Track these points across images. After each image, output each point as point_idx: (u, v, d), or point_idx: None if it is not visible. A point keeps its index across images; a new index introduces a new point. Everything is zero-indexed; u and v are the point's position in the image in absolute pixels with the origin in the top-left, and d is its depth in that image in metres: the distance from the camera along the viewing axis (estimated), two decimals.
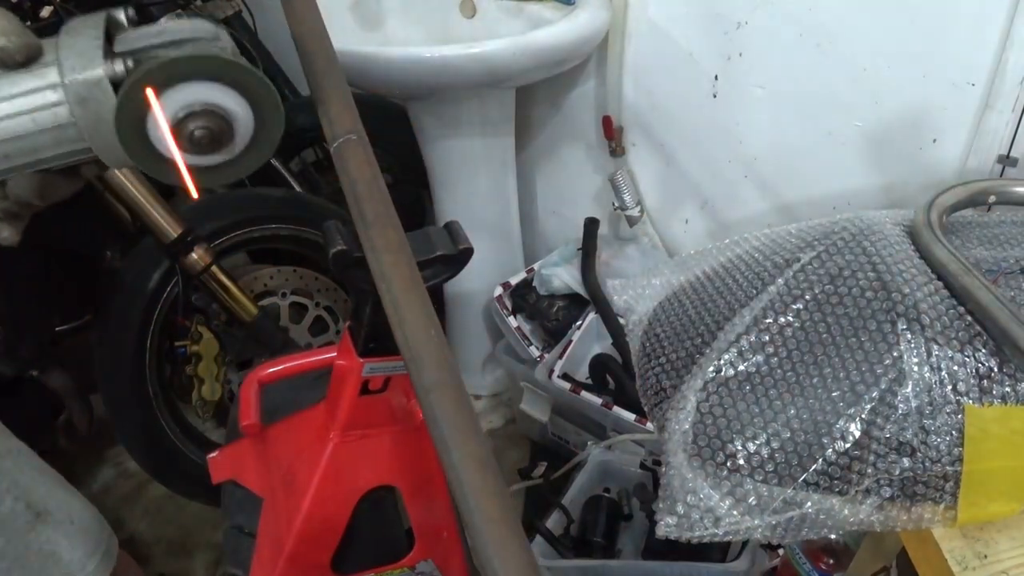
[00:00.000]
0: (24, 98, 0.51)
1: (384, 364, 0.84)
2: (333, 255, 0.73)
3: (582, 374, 1.61)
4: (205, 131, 0.54)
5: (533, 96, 1.76)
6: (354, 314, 0.85)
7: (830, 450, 0.63)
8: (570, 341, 1.60)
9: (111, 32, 0.55)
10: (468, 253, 0.79)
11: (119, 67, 0.52)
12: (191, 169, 0.56)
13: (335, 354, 0.90)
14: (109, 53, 0.52)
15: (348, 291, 1.72)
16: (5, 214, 0.56)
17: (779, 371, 0.67)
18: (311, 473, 0.92)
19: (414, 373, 0.39)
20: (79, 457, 1.76)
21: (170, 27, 0.55)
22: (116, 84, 0.52)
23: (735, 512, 0.64)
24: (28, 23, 1.19)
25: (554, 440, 1.68)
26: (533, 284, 1.70)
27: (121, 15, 0.56)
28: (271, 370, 1.08)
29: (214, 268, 1.43)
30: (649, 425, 1.37)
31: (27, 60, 0.51)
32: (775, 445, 0.64)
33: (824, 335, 0.67)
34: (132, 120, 0.52)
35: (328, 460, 0.91)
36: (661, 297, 0.84)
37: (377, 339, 0.82)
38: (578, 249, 1.72)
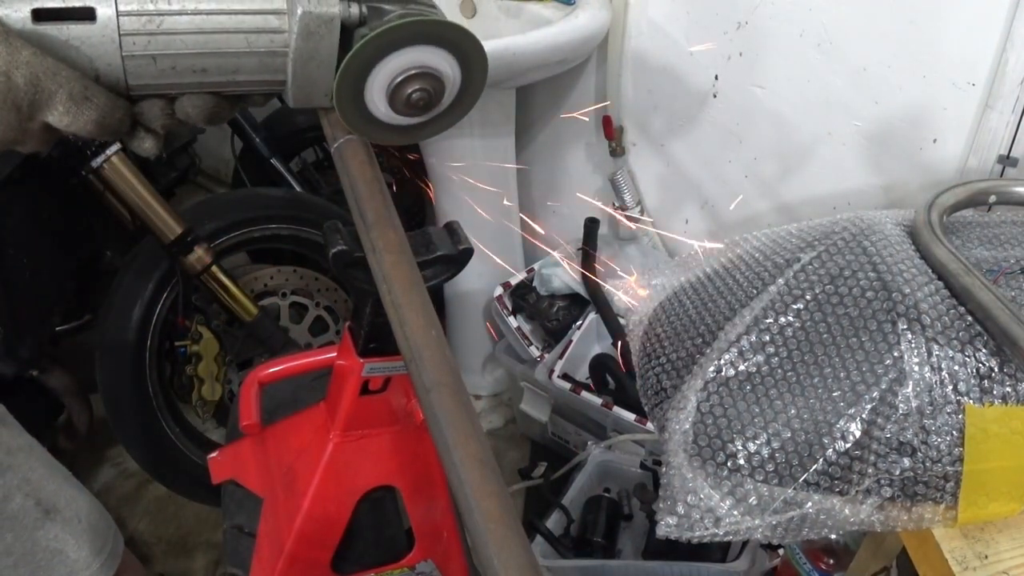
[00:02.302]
0: (246, 17, 0.49)
1: (384, 364, 0.84)
2: (333, 255, 0.73)
3: (582, 374, 1.61)
4: (423, 94, 0.53)
5: (533, 96, 1.76)
6: (354, 314, 0.85)
7: (830, 450, 0.63)
8: (570, 341, 1.60)
9: None
10: (468, 253, 0.79)
11: (353, 10, 0.50)
12: (393, 128, 0.55)
13: (335, 354, 0.90)
14: None
15: (348, 291, 1.72)
16: (163, 129, 0.54)
17: (780, 371, 0.67)
18: (311, 473, 0.92)
19: (415, 373, 0.39)
20: (79, 457, 1.76)
21: None
22: (343, 27, 0.51)
23: (735, 512, 0.64)
24: None
25: (554, 440, 1.68)
26: (533, 284, 1.70)
27: None
28: (271, 370, 1.08)
29: (214, 268, 1.43)
30: (649, 425, 1.37)
31: None
32: (776, 445, 0.64)
33: (824, 335, 0.67)
34: (355, 73, 0.51)
35: (328, 460, 0.91)
36: (661, 297, 0.84)
37: (377, 339, 0.82)
38: (578, 249, 1.72)
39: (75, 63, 0.46)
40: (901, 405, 0.62)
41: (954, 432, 0.62)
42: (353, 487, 0.95)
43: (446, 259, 0.78)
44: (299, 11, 0.49)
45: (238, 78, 0.51)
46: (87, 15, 0.46)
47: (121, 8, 0.46)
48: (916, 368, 0.63)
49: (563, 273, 1.67)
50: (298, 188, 1.79)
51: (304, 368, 1.09)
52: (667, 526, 0.65)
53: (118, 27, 0.46)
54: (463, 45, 0.54)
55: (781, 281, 0.72)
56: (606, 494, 1.40)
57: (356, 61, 0.50)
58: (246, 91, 0.53)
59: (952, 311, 0.65)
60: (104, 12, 0.46)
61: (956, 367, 0.63)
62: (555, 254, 1.74)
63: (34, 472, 0.90)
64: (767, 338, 0.68)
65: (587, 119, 1.71)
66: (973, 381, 0.63)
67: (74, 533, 0.91)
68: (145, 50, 0.47)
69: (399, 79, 0.52)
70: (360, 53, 0.50)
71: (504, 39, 1.32)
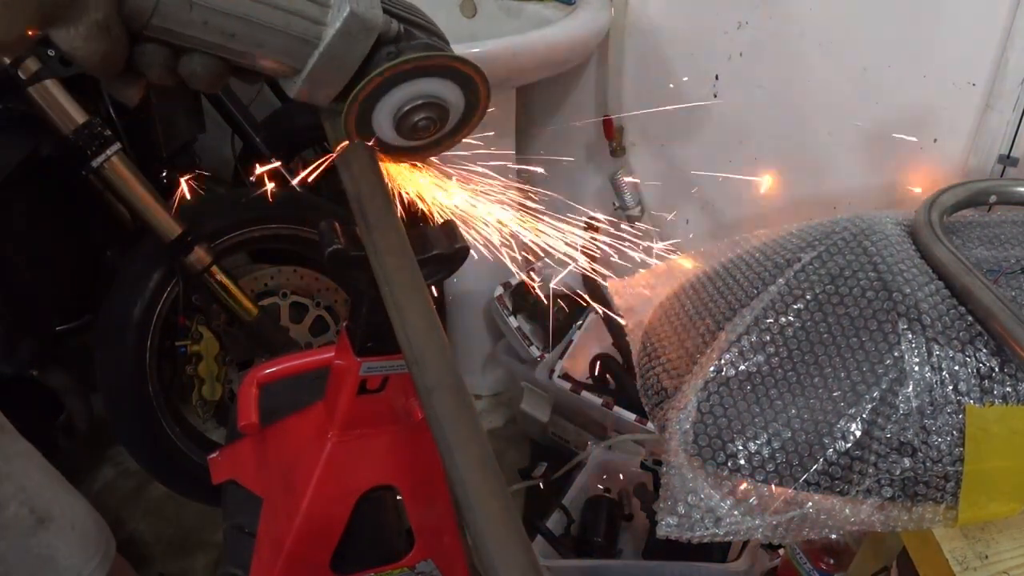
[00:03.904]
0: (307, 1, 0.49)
1: (382, 363, 0.84)
2: (329, 254, 0.73)
3: (582, 374, 1.61)
4: (428, 122, 0.55)
5: (533, 96, 1.76)
6: (351, 313, 0.85)
7: (831, 450, 0.63)
8: (570, 341, 1.59)
9: None
10: (464, 252, 0.79)
11: (394, 26, 0.51)
12: (392, 147, 0.57)
13: (333, 354, 0.90)
14: (386, 7, 0.52)
15: (348, 291, 1.72)
16: (155, 79, 0.52)
17: (780, 371, 0.67)
18: (310, 473, 0.92)
19: (417, 375, 0.39)
20: (79, 457, 1.76)
21: (416, 7, 0.55)
22: (379, 40, 0.51)
23: (736, 512, 0.64)
24: None
25: (554, 440, 1.68)
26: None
27: None
28: (270, 370, 1.08)
29: (214, 268, 1.43)
30: (649, 425, 1.37)
31: None
32: (776, 445, 0.63)
33: (825, 335, 0.67)
34: (377, 89, 0.52)
35: (326, 460, 0.91)
36: (661, 297, 0.84)
37: (375, 338, 0.82)
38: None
39: None
40: (901, 405, 0.62)
41: (954, 432, 0.62)
42: (352, 487, 0.95)
43: (442, 258, 0.78)
44: (347, 10, 0.49)
45: (258, 52, 0.50)
46: None
47: None
48: (916, 368, 0.63)
49: (563, 273, 1.67)
50: (298, 188, 1.79)
51: (302, 368, 1.09)
52: (667, 526, 0.65)
53: None
54: (473, 80, 0.55)
55: (781, 281, 0.72)
56: (606, 494, 1.40)
57: (383, 78, 0.51)
58: (257, 68, 0.52)
59: (952, 311, 0.65)
60: None
61: (956, 367, 0.63)
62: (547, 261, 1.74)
63: (30, 480, 0.90)
64: (767, 338, 0.68)
65: (587, 119, 1.71)
66: (973, 381, 0.63)
67: (66, 540, 0.91)
68: None
69: (408, 106, 0.53)
70: (390, 71, 0.51)
71: (504, 39, 1.32)
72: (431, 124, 0.55)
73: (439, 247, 0.77)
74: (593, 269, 1.64)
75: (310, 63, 0.51)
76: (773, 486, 0.63)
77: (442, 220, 0.76)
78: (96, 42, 0.45)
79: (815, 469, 0.63)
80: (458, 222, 0.64)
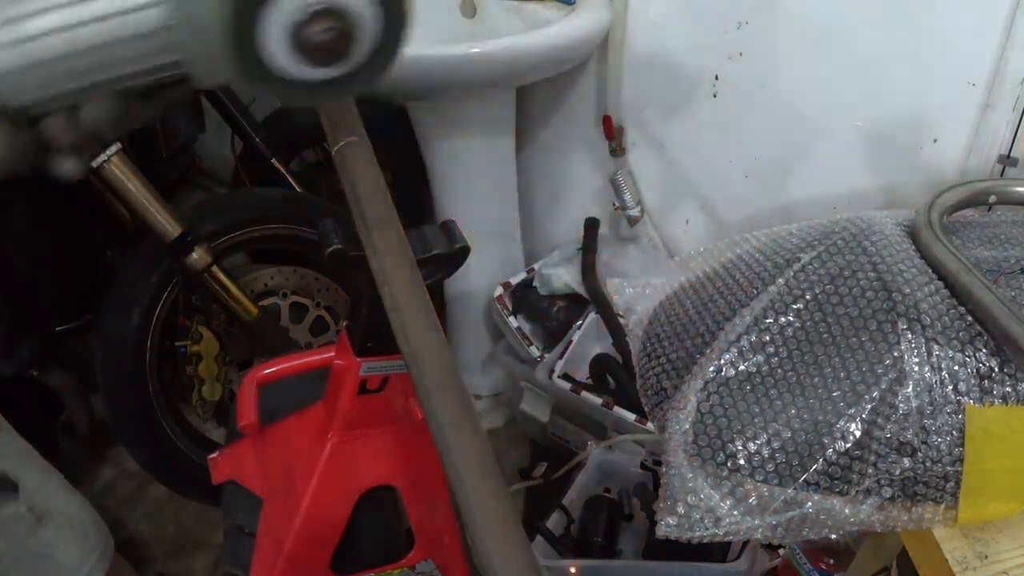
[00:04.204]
0: (106, 1, 0.44)
1: (382, 364, 0.84)
2: (329, 254, 0.73)
3: (582, 374, 1.61)
4: (331, 35, 0.46)
5: (533, 96, 1.76)
6: (351, 313, 0.85)
7: (831, 450, 0.63)
8: (570, 341, 1.60)
9: None
10: (464, 252, 0.79)
11: None
12: (304, 85, 0.48)
13: (333, 354, 0.90)
14: None
15: (348, 291, 1.72)
16: (77, 145, 0.49)
17: (779, 371, 0.67)
18: (310, 473, 0.92)
19: (416, 375, 0.39)
20: (79, 457, 1.76)
21: None
22: None
23: (736, 512, 0.64)
24: None
25: (554, 440, 1.68)
26: (533, 284, 1.70)
27: None
28: (269, 370, 1.08)
29: (214, 268, 1.43)
30: (649, 425, 1.37)
31: None
32: (776, 445, 0.63)
33: (824, 335, 0.67)
34: (242, 23, 0.45)
35: (326, 460, 0.91)
36: (661, 297, 0.84)
37: (374, 338, 0.82)
38: (578, 249, 1.71)
39: None
40: (901, 405, 0.62)
41: (954, 432, 0.62)
42: (352, 487, 0.95)
43: (442, 258, 0.78)
44: None
45: (124, 71, 0.46)
46: None
47: None
48: (916, 368, 0.63)
49: (563, 273, 1.67)
50: (298, 188, 1.79)
51: (302, 368, 1.09)
52: (667, 526, 0.65)
53: None
54: None
55: (781, 281, 0.72)
56: (606, 494, 1.40)
57: (232, 14, 0.44)
58: (142, 82, 0.47)
59: (952, 311, 0.65)
60: None
61: (956, 367, 0.63)
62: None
63: (29, 478, 0.90)
64: (767, 338, 0.68)
65: (587, 119, 1.71)
66: (973, 381, 0.63)
67: (65, 539, 0.91)
68: (17, 63, 0.43)
69: (299, 17, 0.45)
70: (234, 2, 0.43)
71: (504, 39, 1.32)
72: (333, 35, 0.46)
73: (439, 247, 0.78)
74: (593, 269, 1.64)
75: (178, 45, 0.45)
76: (773, 486, 0.63)
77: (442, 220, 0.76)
78: None
79: (815, 469, 0.63)
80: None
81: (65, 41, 0.44)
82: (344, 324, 0.85)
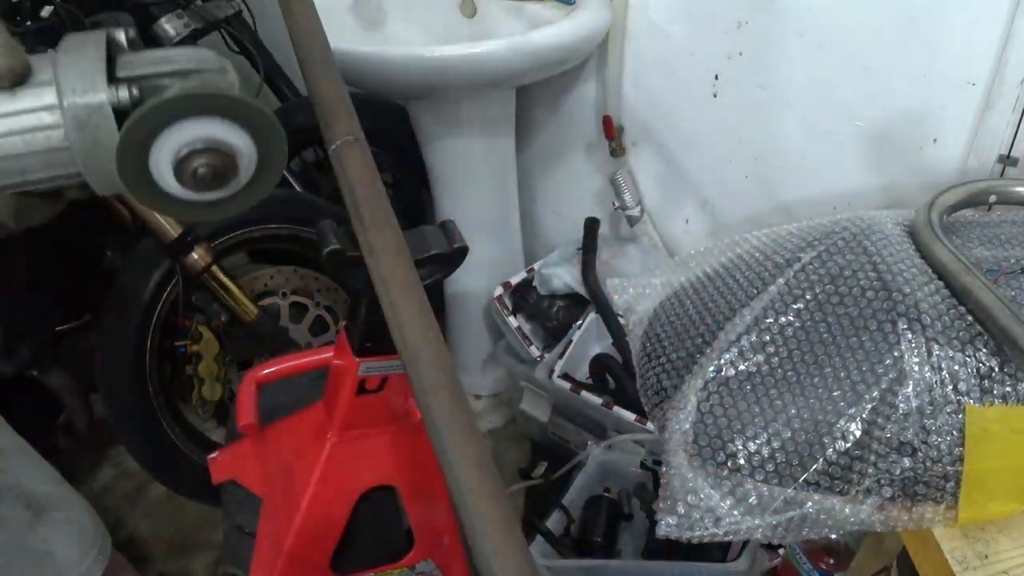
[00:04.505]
0: (16, 118, 0.48)
1: (380, 364, 0.84)
2: (327, 254, 0.73)
3: (582, 374, 1.61)
4: (209, 169, 0.52)
5: (533, 96, 1.76)
6: (350, 314, 0.85)
7: (831, 450, 0.63)
8: (570, 341, 1.60)
9: (112, 54, 0.52)
10: (463, 252, 0.79)
11: (123, 93, 0.49)
12: (192, 204, 0.54)
13: (332, 354, 0.90)
14: (112, 77, 0.50)
15: (347, 291, 1.72)
16: None
17: (780, 371, 0.66)
18: (309, 473, 0.92)
19: (413, 375, 0.39)
20: (79, 457, 1.76)
21: (175, 54, 0.53)
22: (117, 111, 0.49)
23: (736, 512, 0.64)
24: (28, 23, 1.19)
25: (554, 440, 1.68)
26: (533, 284, 1.70)
27: (121, 35, 0.54)
28: (268, 370, 1.08)
29: (214, 268, 1.43)
30: (649, 425, 1.37)
31: (14, 82, 0.48)
32: (776, 445, 0.63)
33: (825, 335, 0.67)
34: (135, 153, 0.50)
35: (326, 460, 0.91)
36: (661, 297, 0.84)
37: (373, 339, 0.82)
38: (578, 249, 1.71)
39: None
40: (901, 405, 0.62)
41: (954, 432, 0.62)
42: (352, 487, 0.95)
43: (440, 258, 0.78)
44: (65, 103, 0.48)
45: (28, 178, 0.50)
46: None
47: None
48: (916, 368, 0.63)
49: (563, 273, 1.67)
50: (298, 188, 1.79)
51: (301, 368, 1.09)
52: (667, 526, 0.65)
53: None
54: (249, 118, 0.52)
55: (781, 281, 0.72)
56: (606, 494, 1.40)
57: (129, 140, 0.49)
58: (45, 187, 0.52)
59: (952, 311, 0.65)
60: None
61: (956, 367, 0.63)
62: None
63: (24, 474, 0.90)
64: (767, 338, 0.68)
65: (587, 119, 1.71)
66: (973, 381, 0.63)
67: (63, 534, 0.91)
68: None
69: (181, 154, 0.51)
70: (129, 134, 0.49)
71: (504, 39, 1.32)
72: (211, 171, 0.52)
73: (437, 247, 0.78)
74: (593, 269, 1.64)
75: (79, 164, 0.50)
76: (773, 486, 0.63)
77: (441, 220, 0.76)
78: None
79: (815, 469, 0.63)
80: None
81: None
82: (343, 324, 0.85)
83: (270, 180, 0.55)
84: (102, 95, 0.49)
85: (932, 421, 0.62)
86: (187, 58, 0.52)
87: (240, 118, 0.52)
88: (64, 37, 0.51)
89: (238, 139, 0.52)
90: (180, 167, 0.51)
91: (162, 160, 0.51)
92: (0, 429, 0.91)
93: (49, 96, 0.48)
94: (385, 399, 0.89)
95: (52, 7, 1.21)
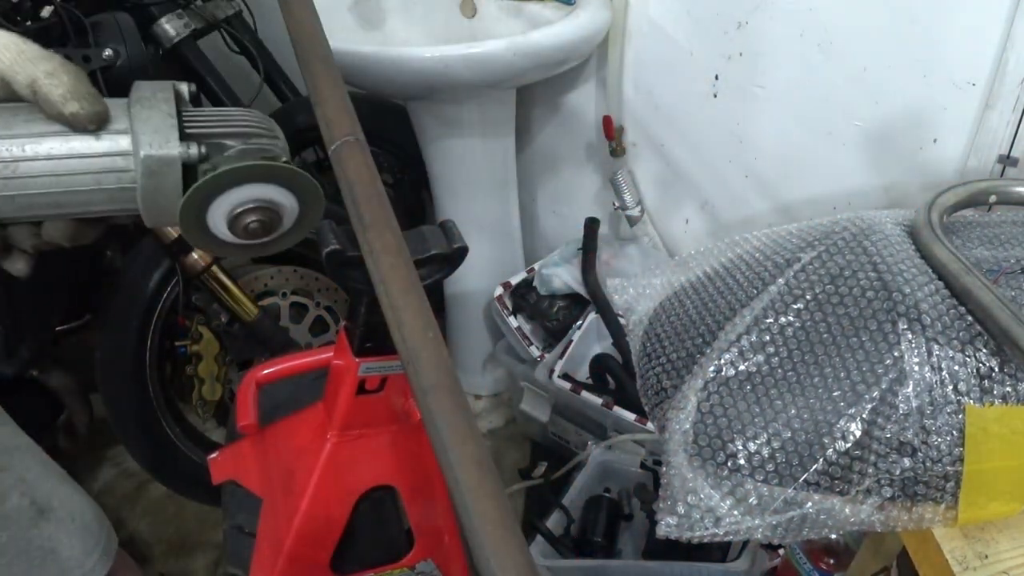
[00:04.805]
0: (93, 159, 0.54)
1: (380, 364, 0.84)
2: (327, 254, 0.74)
3: (582, 374, 1.61)
4: (258, 224, 0.59)
5: (533, 96, 1.76)
6: (350, 314, 0.85)
7: (831, 450, 0.63)
8: (570, 341, 1.60)
9: (177, 107, 0.58)
10: (462, 252, 0.79)
11: (192, 150, 0.55)
12: (238, 247, 0.62)
13: (332, 354, 0.90)
14: (183, 134, 0.56)
15: (347, 291, 1.72)
16: (33, 249, 0.60)
17: (780, 371, 0.66)
18: (309, 473, 0.92)
19: (412, 375, 0.39)
20: (79, 457, 1.76)
21: (235, 116, 0.60)
22: (184, 164, 0.56)
23: (736, 512, 0.64)
24: (28, 23, 1.19)
25: (554, 440, 1.68)
26: (533, 284, 1.70)
27: (184, 89, 0.60)
28: (268, 371, 1.08)
29: (214, 268, 1.43)
30: (649, 425, 1.37)
31: (97, 128, 0.54)
32: (776, 445, 0.63)
33: (825, 335, 0.67)
34: (196, 205, 0.57)
35: (326, 460, 0.91)
36: (661, 297, 0.84)
37: (373, 339, 0.82)
38: (578, 249, 1.71)
39: None
40: (901, 405, 0.62)
41: (954, 432, 0.62)
42: (352, 487, 0.95)
43: (440, 258, 0.78)
44: (142, 154, 0.54)
45: (92, 209, 0.56)
46: None
47: None
48: (916, 368, 0.63)
49: (563, 273, 1.67)
50: None
51: (301, 368, 1.09)
52: (667, 526, 0.64)
53: None
54: (295, 182, 0.59)
55: (781, 281, 0.72)
56: (606, 494, 1.40)
57: (195, 198, 0.56)
58: (101, 215, 0.58)
59: (952, 311, 0.65)
60: None
61: (956, 367, 0.63)
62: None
63: (30, 471, 0.90)
64: (767, 338, 0.68)
65: (587, 119, 1.71)
66: (973, 381, 0.63)
67: (68, 532, 0.91)
68: (2, 191, 0.53)
69: (237, 211, 0.58)
70: (196, 193, 0.56)
71: (504, 39, 1.32)
72: (261, 226, 0.60)
73: (437, 247, 0.78)
74: (593, 269, 1.64)
75: (138, 203, 0.56)
76: (773, 486, 0.63)
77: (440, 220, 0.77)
78: None
79: (815, 469, 0.63)
80: None
81: (50, 183, 0.54)
82: (343, 324, 0.86)
83: (307, 227, 0.64)
84: (175, 151, 0.55)
85: (932, 421, 0.62)
86: (245, 121, 0.60)
87: (287, 182, 0.59)
88: (134, 86, 0.58)
89: (284, 199, 0.60)
90: (234, 222, 0.59)
91: (218, 215, 0.58)
92: (5, 427, 0.91)
93: (125, 143, 0.55)
94: (385, 399, 0.89)
95: (52, 7, 1.21)
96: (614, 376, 1.53)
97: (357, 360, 0.83)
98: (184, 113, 0.58)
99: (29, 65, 0.52)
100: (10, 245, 0.59)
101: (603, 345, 1.65)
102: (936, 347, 0.63)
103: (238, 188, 0.57)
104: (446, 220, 0.81)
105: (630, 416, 1.44)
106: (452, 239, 0.79)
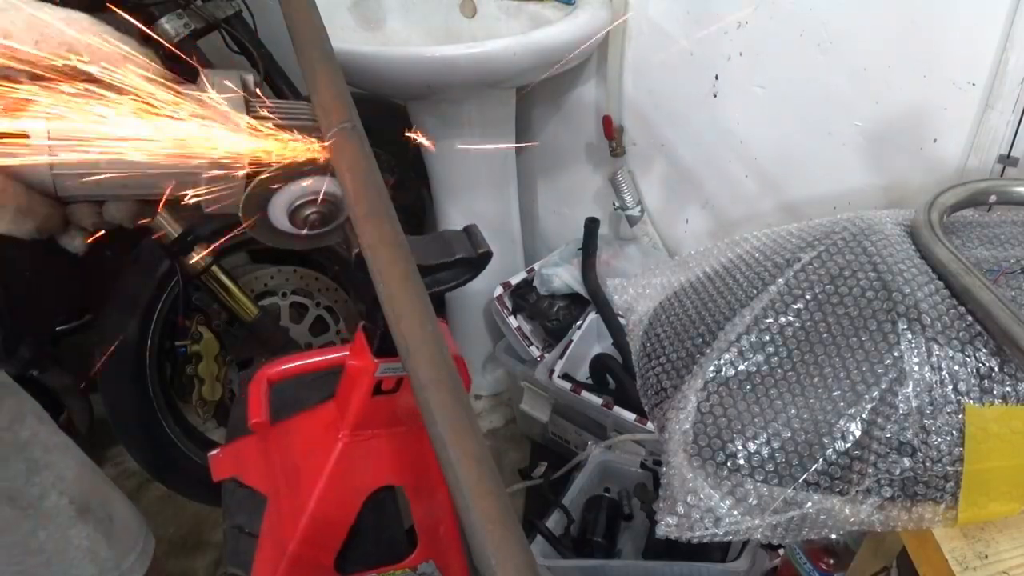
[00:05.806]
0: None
1: (398, 365, 0.84)
2: (357, 256, 0.73)
3: (582, 374, 1.61)
4: (318, 216, 0.60)
5: (533, 96, 1.76)
6: (368, 314, 0.85)
7: (831, 450, 0.63)
8: (570, 341, 1.59)
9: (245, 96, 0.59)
10: (487, 257, 0.79)
11: None
12: (299, 237, 0.63)
13: (346, 353, 0.89)
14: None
15: (348, 291, 1.72)
16: (93, 228, 0.61)
17: (779, 371, 0.66)
18: (318, 472, 0.91)
19: (411, 370, 0.39)
20: None
21: (298, 108, 0.60)
22: None
23: (735, 512, 0.64)
24: None
25: (554, 440, 1.68)
26: (533, 284, 1.70)
27: (251, 79, 0.61)
28: (280, 368, 1.08)
29: (214, 268, 1.43)
30: (649, 425, 1.37)
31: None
32: (776, 445, 0.63)
33: (825, 335, 0.67)
34: (259, 195, 0.58)
35: (336, 460, 0.91)
36: (661, 297, 0.84)
37: (391, 340, 0.81)
38: (578, 249, 1.71)
39: (16, 175, 0.51)
40: (901, 405, 0.62)
41: (954, 432, 0.62)
42: (360, 487, 0.95)
43: (465, 262, 0.78)
44: None
45: (156, 191, 0.57)
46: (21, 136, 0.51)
47: (53, 134, 0.51)
48: (916, 368, 0.63)
49: (563, 273, 1.67)
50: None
51: (314, 367, 1.09)
52: (667, 526, 0.64)
53: (49, 149, 0.52)
54: None
55: (781, 281, 0.72)
56: (606, 494, 1.40)
57: (256, 191, 0.57)
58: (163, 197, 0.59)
59: (952, 311, 0.65)
60: (38, 131, 0.51)
61: (956, 367, 0.63)
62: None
63: (69, 471, 0.89)
64: (767, 338, 0.68)
65: (587, 119, 1.71)
66: (973, 381, 0.63)
67: (105, 533, 0.91)
68: (73, 170, 0.52)
69: (296, 203, 0.59)
70: (259, 185, 0.57)
71: (504, 39, 1.32)
72: (320, 217, 0.60)
73: (462, 251, 0.78)
74: (593, 269, 1.64)
75: (204, 186, 0.57)
76: (773, 486, 0.63)
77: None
78: (24, 223, 0.54)
79: (815, 469, 0.63)
80: None
81: (119, 165, 0.53)
82: (362, 324, 0.85)
83: None
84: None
85: (932, 421, 0.62)
86: (306, 113, 0.60)
87: None
88: (201, 73, 0.58)
89: (340, 189, 0.59)
90: (294, 213, 0.60)
91: (278, 207, 0.59)
92: (45, 426, 0.90)
93: None
94: (399, 400, 0.88)
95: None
96: (614, 376, 1.53)
97: (376, 361, 0.83)
98: (250, 102, 0.58)
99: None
100: (69, 222, 0.59)
101: (603, 345, 1.65)
102: (936, 347, 0.63)
103: (298, 180, 0.58)
104: (470, 225, 0.82)
105: (630, 416, 1.44)
106: (477, 244, 0.79)
